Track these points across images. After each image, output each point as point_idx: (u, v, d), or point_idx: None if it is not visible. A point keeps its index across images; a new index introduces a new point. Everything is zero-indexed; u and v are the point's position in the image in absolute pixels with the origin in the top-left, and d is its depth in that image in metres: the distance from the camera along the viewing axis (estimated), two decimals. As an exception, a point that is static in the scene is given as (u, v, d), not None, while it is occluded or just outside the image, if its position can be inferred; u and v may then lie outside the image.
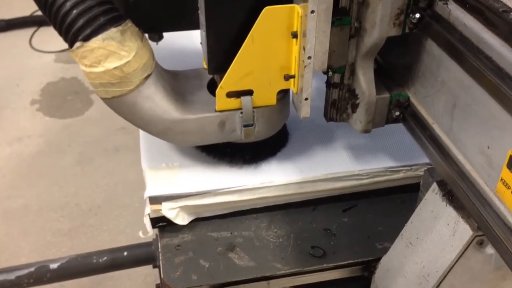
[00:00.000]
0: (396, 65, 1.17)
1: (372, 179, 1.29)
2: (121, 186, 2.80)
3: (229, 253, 1.19)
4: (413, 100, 1.12)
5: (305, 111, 1.11)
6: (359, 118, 1.14)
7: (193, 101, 1.23)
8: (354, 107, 1.14)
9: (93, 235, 2.55)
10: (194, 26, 1.23)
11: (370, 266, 1.18)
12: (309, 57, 1.04)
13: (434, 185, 1.03)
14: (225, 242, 1.21)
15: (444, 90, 1.02)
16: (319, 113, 1.18)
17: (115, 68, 1.10)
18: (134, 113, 1.17)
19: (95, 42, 1.08)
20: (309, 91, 1.09)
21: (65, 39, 1.11)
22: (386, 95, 1.12)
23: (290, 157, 1.32)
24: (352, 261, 1.17)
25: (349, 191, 1.30)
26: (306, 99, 1.10)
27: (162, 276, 1.14)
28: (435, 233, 1.01)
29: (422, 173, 1.29)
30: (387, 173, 1.29)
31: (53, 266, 1.28)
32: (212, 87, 1.26)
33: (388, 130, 1.19)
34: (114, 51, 1.09)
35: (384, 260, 1.15)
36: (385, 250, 1.16)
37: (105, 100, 1.16)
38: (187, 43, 1.62)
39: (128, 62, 1.10)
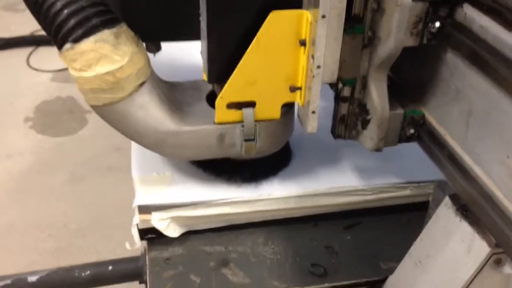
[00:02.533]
0: (409, 80, 1.10)
1: (377, 195, 1.21)
2: (112, 206, 2.70)
3: (222, 269, 1.10)
4: (427, 115, 1.05)
5: (311, 125, 1.03)
6: (370, 135, 1.06)
7: (190, 112, 1.15)
8: (365, 123, 1.06)
9: (80, 256, 2.44)
10: (194, 36, 1.18)
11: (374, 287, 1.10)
12: (318, 67, 0.96)
13: (447, 199, 0.95)
14: (218, 257, 1.13)
15: (458, 98, 0.95)
16: (324, 131, 1.11)
17: (107, 73, 1.02)
18: (126, 123, 1.09)
19: (86, 44, 1.00)
20: (317, 103, 1.01)
21: (54, 41, 1.04)
22: (400, 111, 1.04)
23: (293, 175, 1.24)
24: (356, 281, 1.09)
25: (352, 208, 1.22)
26: (313, 112, 1.01)
27: (148, 291, 1.05)
28: (448, 250, 0.93)
29: (430, 191, 1.23)
30: (393, 189, 1.22)
31: (32, 279, 1.18)
32: (211, 100, 1.19)
33: (396, 147, 1.12)
34: (106, 55, 1.02)
35: (390, 280, 1.07)
36: (391, 271, 1.07)
37: (95, 107, 1.09)
38: (185, 56, 1.56)
39: (121, 67, 1.03)
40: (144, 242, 1.17)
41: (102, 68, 1.02)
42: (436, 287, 0.95)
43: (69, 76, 1.07)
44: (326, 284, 1.08)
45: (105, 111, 1.08)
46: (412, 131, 1.05)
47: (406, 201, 1.24)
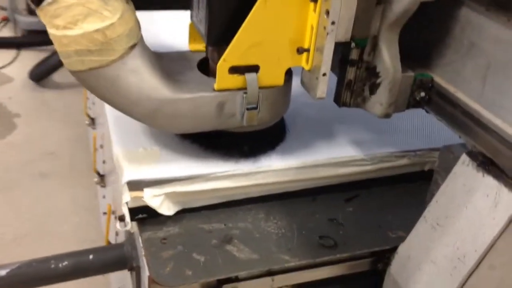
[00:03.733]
0: (413, 42, 1.07)
1: (376, 165, 1.17)
2: (50, 214, 2.51)
3: (226, 246, 1.01)
4: (435, 76, 1.03)
5: (321, 90, 0.97)
6: (379, 100, 1.02)
7: (184, 80, 1.05)
8: (374, 87, 1.02)
9: (18, 267, 2.22)
10: (170, 4, 1.10)
11: (384, 258, 1.05)
12: (333, 23, 0.91)
13: (464, 157, 0.93)
14: (219, 234, 1.04)
15: (472, 54, 0.94)
16: (315, 108, 1.08)
17: (96, 30, 0.92)
18: (116, 90, 0.98)
19: None
20: (329, 65, 0.95)
21: None
22: (411, 73, 1.01)
23: (291, 149, 1.18)
24: (367, 251, 1.04)
25: (351, 179, 1.18)
26: (324, 74, 0.96)
27: (149, 273, 0.93)
28: (470, 208, 0.90)
29: (427, 159, 1.22)
30: (391, 158, 1.19)
31: (1, 273, 1.03)
32: (202, 69, 1.11)
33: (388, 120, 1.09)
34: (95, 10, 0.91)
35: (403, 248, 1.03)
36: (400, 239, 1.03)
37: (78, 73, 0.97)
38: (159, 29, 1.46)
39: (112, 24, 0.93)
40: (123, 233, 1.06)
41: (90, 25, 0.91)
42: (458, 247, 0.92)
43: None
44: (339, 256, 1.02)
45: (91, 77, 0.96)
46: (422, 94, 1.02)
47: (404, 171, 1.21)
